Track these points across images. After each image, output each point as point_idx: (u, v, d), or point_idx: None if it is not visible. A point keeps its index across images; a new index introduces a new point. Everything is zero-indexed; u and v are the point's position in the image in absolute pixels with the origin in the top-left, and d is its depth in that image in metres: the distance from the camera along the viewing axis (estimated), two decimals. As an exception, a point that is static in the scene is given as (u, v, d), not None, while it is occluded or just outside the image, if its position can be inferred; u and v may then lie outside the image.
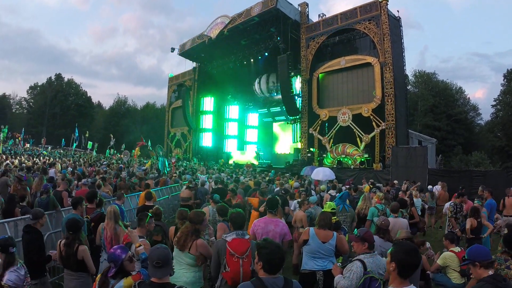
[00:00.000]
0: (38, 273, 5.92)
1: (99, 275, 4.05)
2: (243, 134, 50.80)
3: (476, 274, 3.82)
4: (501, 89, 52.15)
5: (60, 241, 5.65)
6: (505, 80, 50.95)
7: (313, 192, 13.94)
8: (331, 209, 7.68)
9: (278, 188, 14.17)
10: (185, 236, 5.14)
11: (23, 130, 41.55)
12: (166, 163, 24.18)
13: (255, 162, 38.77)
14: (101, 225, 6.66)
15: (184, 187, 14.08)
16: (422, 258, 5.32)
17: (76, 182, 13.65)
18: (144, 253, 4.04)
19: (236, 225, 5.09)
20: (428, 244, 8.51)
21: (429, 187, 17.02)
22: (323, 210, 7.80)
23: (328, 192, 13.53)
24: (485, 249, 3.95)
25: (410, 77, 55.33)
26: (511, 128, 48.33)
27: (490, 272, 3.66)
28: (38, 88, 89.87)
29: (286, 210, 10.97)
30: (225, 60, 42.82)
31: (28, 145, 51.69)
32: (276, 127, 48.21)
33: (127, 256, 3.94)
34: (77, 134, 43.37)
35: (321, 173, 18.72)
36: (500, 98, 52.39)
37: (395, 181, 18.14)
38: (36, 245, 5.99)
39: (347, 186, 14.88)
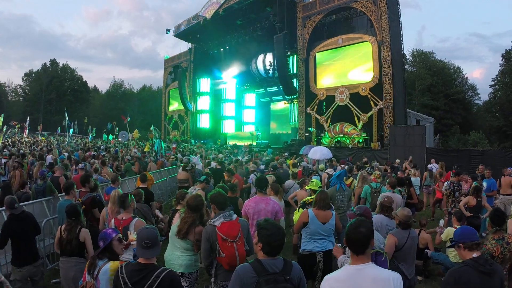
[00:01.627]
0: (36, 257, 5.98)
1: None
2: (240, 114, 50.57)
3: (461, 256, 3.71)
4: (499, 70, 51.82)
5: (61, 227, 5.61)
6: (503, 60, 50.58)
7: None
8: (318, 187, 7.56)
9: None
10: (188, 225, 4.99)
11: (28, 118, 41.36)
12: (162, 145, 24.03)
13: (253, 143, 38.70)
14: (104, 210, 6.67)
15: (180, 169, 14.00)
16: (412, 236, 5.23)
17: (74, 167, 13.51)
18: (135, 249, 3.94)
19: (220, 205, 4.87)
20: (441, 222, 8.48)
21: (428, 166, 16.94)
22: (309, 187, 7.73)
23: (326, 171, 13.44)
24: (471, 230, 3.79)
25: (407, 57, 55.01)
26: (508, 108, 48.17)
27: (475, 255, 3.52)
28: (33, 75, 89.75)
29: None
30: (221, 40, 42.74)
31: (26, 131, 51.48)
32: (274, 107, 48.12)
33: (117, 236, 3.94)
34: (67, 119, 43.10)
35: (319, 152, 18.56)
36: (498, 78, 52.10)
37: (397, 160, 18.09)
38: (36, 230, 6.09)
39: (343, 165, 14.78)
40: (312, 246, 5.69)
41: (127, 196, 5.80)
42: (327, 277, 2.96)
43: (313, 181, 7.78)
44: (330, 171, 13.20)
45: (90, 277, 3.74)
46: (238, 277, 3.15)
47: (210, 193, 5.25)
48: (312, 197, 6.93)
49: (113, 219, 5.75)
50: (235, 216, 4.79)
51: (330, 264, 5.60)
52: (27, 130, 40.15)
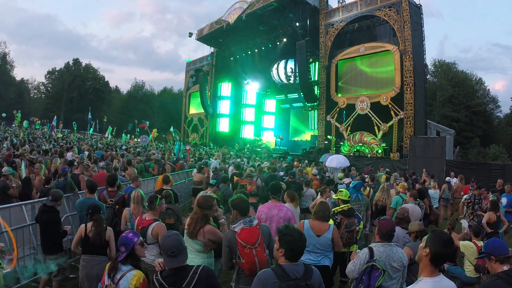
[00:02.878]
0: (55, 250, 6.27)
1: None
2: (260, 120, 50.45)
3: (491, 269, 3.67)
4: (522, 82, 51.30)
5: (86, 224, 5.70)
6: (526, 72, 50.09)
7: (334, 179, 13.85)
8: (348, 197, 7.55)
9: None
10: (194, 222, 5.05)
11: (55, 118, 41.98)
12: (182, 148, 24.17)
13: (272, 146, 38.66)
14: (126, 210, 6.71)
15: (195, 170, 14.12)
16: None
17: (93, 165, 13.66)
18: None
19: (241, 211, 4.88)
20: (465, 223, 8.42)
21: (447, 178, 16.80)
22: (338, 197, 7.68)
23: (342, 180, 13.40)
24: (503, 243, 3.79)
25: (429, 67, 54.58)
26: (530, 123, 47.59)
27: (505, 268, 3.50)
28: (56, 73, 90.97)
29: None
30: (243, 45, 42.78)
31: (45, 129, 52.06)
32: (294, 113, 47.90)
33: (139, 240, 3.89)
34: (90, 117, 43.48)
35: (335, 160, 18.49)
36: (521, 91, 51.55)
37: (413, 171, 17.98)
38: (54, 224, 6.25)
39: (366, 175, 14.68)
40: (305, 258, 5.47)
41: (156, 198, 5.83)
42: None
43: (342, 190, 7.74)
44: (346, 180, 13.14)
45: (110, 280, 3.70)
46: (260, 283, 3.19)
47: (231, 198, 5.27)
48: (341, 206, 6.91)
49: (138, 217, 5.84)
50: (256, 221, 4.79)
51: (324, 280, 5.48)
52: (55, 129, 40.56)
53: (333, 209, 7.30)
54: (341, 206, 6.90)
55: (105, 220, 5.84)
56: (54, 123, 40.68)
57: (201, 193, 8.04)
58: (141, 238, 3.97)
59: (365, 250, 4.65)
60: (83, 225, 5.75)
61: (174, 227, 6.83)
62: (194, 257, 5.01)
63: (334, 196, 8.22)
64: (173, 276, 3.35)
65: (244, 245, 4.44)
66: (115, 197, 7.61)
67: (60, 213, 6.54)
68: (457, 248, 2.61)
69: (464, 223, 8.50)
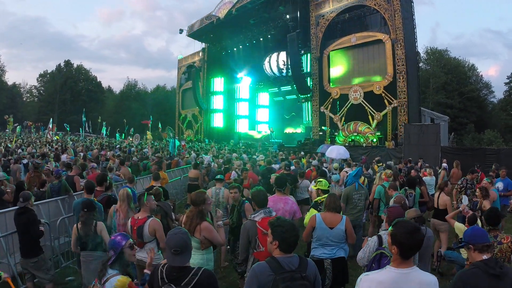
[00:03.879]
0: (36, 251, 6.10)
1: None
2: (254, 113, 50.74)
3: (470, 258, 3.63)
4: (515, 67, 51.28)
5: (77, 224, 5.70)
6: (519, 57, 50.06)
7: (326, 170, 13.82)
8: (327, 187, 7.48)
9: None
10: (190, 220, 5.04)
11: (51, 120, 41.65)
12: (176, 145, 24.13)
13: (266, 142, 38.67)
14: (112, 207, 6.66)
15: (191, 167, 14.10)
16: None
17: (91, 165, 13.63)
18: (147, 275, 3.88)
19: (260, 203, 5.03)
20: (465, 200, 8.42)
21: (443, 164, 16.79)
22: (317, 187, 7.63)
23: (344, 169, 13.39)
24: (483, 231, 3.75)
25: (421, 54, 54.50)
26: (524, 107, 47.63)
27: (485, 257, 3.44)
28: (48, 76, 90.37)
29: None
30: (234, 40, 42.84)
31: (40, 132, 51.90)
32: (287, 106, 47.80)
33: (128, 243, 3.82)
34: (84, 119, 43.32)
35: (335, 151, 18.40)
36: (514, 75, 51.52)
37: (409, 159, 17.96)
38: (33, 224, 6.07)
39: (363, 165, 14.68)
40: (319, 253, 5.49)
41: (143, 195, 5.77)
42: (367, 277, 2.90)
43: (321, 180, 7.66)
44: (347, 169, 13.16)
45: (99, 283, 3.65)
46: (255, 276, 3.15)
47: (252, 190, 5.42)
48: (323, 197, 6.87)
49: (129, 219, 5.75)
50: (274, 213, 4.92)
51: (341, 272, 5.44)
52: (51, 132, 40.35)
53: (315, 199, 7.28)
54: (323, 196, 6.86)
55: (95, 216, 5.80)
56: (50, 125, 40.48)
57: (213, 189, 8.09)
58: (130, 240, 3.90)
59: (374, 238, 4.66)
60: (75, 225, 5.76)
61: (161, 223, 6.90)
62: (193, 253, 4.97)
63: (313, 186, 8.11)
64: (174, 273, 3.31)
65: (265, 232, 4.40)
66: (99, 196, 7.54)
67: (35, 211, 6.35)
68: (422, 238, 2.51)
69: (465, 199, 8.47)
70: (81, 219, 5.58)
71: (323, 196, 6.84)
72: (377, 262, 4.28)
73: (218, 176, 8.76)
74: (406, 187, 9.00)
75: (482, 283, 3.25)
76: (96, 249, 5.54)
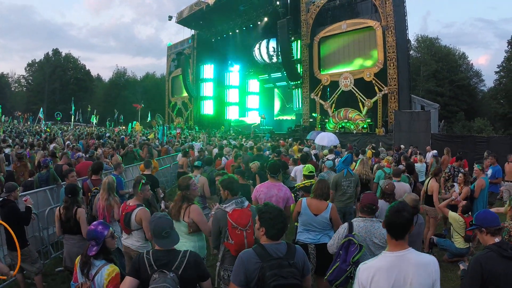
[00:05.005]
0: (20, 245, 5.83)
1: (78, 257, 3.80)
2: (244, 100, 50.81)
3: (482, 241, 3.63)
4: (505, 56, 51.05)
5: (59, 207, 5.69)
6: (509, 46, 49.82)
7: (313, 157, 13.79)
8: (309, 172, 7.45)
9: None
10: (175, 204, 5.02)
11: (41, 109, 41.15)
12: (166, 132, 23.98)
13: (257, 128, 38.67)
14: (97, 195, 6.57)
15: (180, 154, 14.04)
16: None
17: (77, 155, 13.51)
18: None
19: (232, 192, 4.85)
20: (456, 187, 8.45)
21: (434, 151, 16.82)
22: (304, 173, 7.59)
23: (326, 157, 13.30)
24: (494, 214, 3.69)
25: (412, 42, 54.50)
26: (514, 96, 47.78)
27: (497, 240, 3.45)
28: (36, 65, 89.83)
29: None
30: (224, 26, 42.57)
31: (29, 122, 51.50)
32: (277, 92, 47.96)
33: (109, 232, 3.73)
34: (73, 109, 42.96)
35: (326, 138, 18.46)
36: (504, 65, 51.36)
37: (402, 146, 17.99)
38: (15, 216, 5.96)
39: (349, 151, 14.69)
40: (304, 237, 5.53)
41: (138, 183, 5.69)
42: (364, 266, 2.85)
43: (305, 166, 7.63)
44: (330, 156, 13.07)
45: (84, 277, 3.55)
46: (242, 263, 3.08)
47: (221, 178, 5.24)
48: (303, 182, 6.83)
49: (120, 206, 5.74)
50: (246, 203, 4.75)
51: (324, 258, 5.33)
52: (42, 121, 40.00)
53: (295, 185, 7.23)
54: (303, 182, 6.81)
55: (78, 202, 5.76)
56: (41, 115, 40.05)
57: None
58: (111, 229, 3.80)
59: (345, 224, 4.60)
60: (57, 210, 5.79)
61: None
62: (185, 241, 4.92)
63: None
64: (163, 258, 3.26)
65: (235, 226, 4.37)
66: (99, 185, 7.44)
67: (17, 204, 6.20)
68: (412, 216, 2.49)
69: (456, 186, 8.49)
70: (65, 205, 5.60)
71: (303, 182, 6.81)
72: (345, 249, 4.32)
73: (196, 163, 8.71)
74: (408, 174, 8.97)
75: (498, 265, 3.28)
76: (76, 233, 5.60)
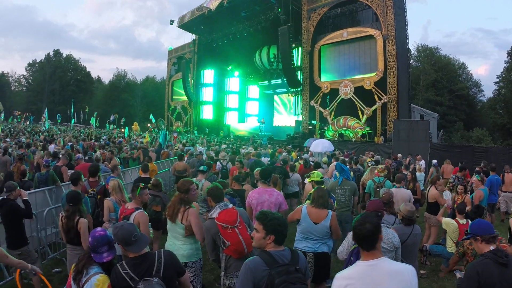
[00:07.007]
0: (20, 243, 6.00)
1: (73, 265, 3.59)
2: (244, 106, 50.88)
3: (477, 249, 3.78)
4: (505, 66, 51.20)
5: (62, 215, 5.60)
6: (509, 57, 50.01)
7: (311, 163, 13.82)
8: (320, 178, 7.48)
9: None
10: (173, 205, 5.03)
11: (46, 110, 41.14)
12: (167, 137, 24.00)
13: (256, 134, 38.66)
14: (109, 201, 6.44)
15: (177, 159, 14.04)
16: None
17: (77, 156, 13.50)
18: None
19: (216, 199, 4.90)
20: (446, 194, 8.52)
21: (434, 161, 16.88)
22: (311, 180, 7.62)
23: (333, 164, 13.28)
24: (488, 223, 3.88)
25: (412, 51, 54.61)
26: (513, 106, 47.89)
27: (492, 247, 3.59)
28: (37, 65, 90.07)
29: (287, 182, 10.91)
30: (225, 32, 42.52)
31: (28, 122, 51.57)
32: (277, 99, 47.99)
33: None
34: (73, 110, 42.99)
35: (320, 145, 18.54)
36: (503, 75, 51.54)
37: (399, 155, 18.00)
38: (15, 214, 5.99)
39: (347, 159, 14.71)
40: (302, 245, 5.44)
41: (137, 188, 5.70)
42: (339, 275, 2.84)
43: (313, 172, 7.65)
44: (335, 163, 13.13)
45: (76, 285, 3.37)
46: (249, 271, 3.08)
47: (208, 187, 5.26)
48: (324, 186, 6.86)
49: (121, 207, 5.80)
50: (231, 205, 4.84)
51: (323, 267, 5.40)
52: (46, 121, 39.96)
53: (309, 192, 7.24)
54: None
55: (83, 211, 5.63)
56: (45, 115, 40.02)
57: (195, 179, 7.98)
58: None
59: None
60: (60, 217, 5.68)
61: (159, 214, 6.89)
62: (182, 244, 4.97)
63: (307, 180, 8.08)
64: (140, 265, 3.22)
65: (225, 226, 4.35)
66: (96, 187, 7.45)
67: (17, 203, 6.17)
68: (377, 226, 2.48)
69: (446, 194, 8.54)
70: (66, 214, 5.45)
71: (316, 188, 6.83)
72: (355, 255, 4.28)
73: (201, 168, 8.67)
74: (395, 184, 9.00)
75: (494, 271, 3.40)
76: (78, 244, 5.45)
